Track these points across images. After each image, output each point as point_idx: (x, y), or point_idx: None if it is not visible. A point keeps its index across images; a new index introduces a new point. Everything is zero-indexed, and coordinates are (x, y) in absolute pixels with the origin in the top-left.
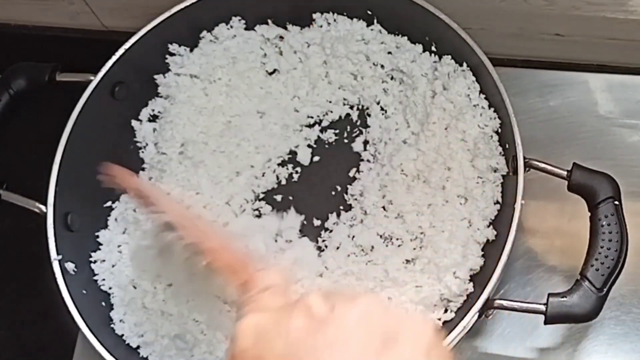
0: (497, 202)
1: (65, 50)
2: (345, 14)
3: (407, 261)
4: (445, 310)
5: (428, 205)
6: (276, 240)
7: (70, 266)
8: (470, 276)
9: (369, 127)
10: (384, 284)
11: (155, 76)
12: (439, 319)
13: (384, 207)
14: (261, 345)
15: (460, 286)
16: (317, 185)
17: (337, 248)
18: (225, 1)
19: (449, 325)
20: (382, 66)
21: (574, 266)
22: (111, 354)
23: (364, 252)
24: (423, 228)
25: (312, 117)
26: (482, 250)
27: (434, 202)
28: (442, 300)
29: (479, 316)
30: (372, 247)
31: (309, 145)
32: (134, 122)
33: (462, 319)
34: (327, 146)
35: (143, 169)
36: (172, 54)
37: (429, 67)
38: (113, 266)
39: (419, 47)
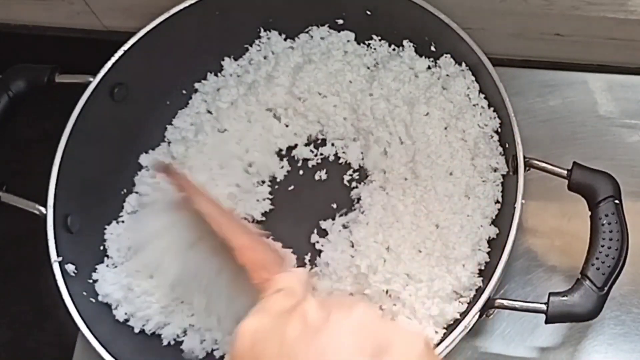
0: (498, 202)
1: (65, 51)
2: (343, 13)
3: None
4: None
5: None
6: None
7: (70, 268)
8: (479, 270)
9: None
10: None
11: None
12: (458, 313)
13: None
14: (257, 349)
15: (470, 279)
16: (321, 184)
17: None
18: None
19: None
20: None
21: (574, 266)
22: (111, 354)
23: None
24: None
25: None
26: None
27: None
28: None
29: (480, 316)
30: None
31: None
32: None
33: (463, 318)
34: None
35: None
36: None
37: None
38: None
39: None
